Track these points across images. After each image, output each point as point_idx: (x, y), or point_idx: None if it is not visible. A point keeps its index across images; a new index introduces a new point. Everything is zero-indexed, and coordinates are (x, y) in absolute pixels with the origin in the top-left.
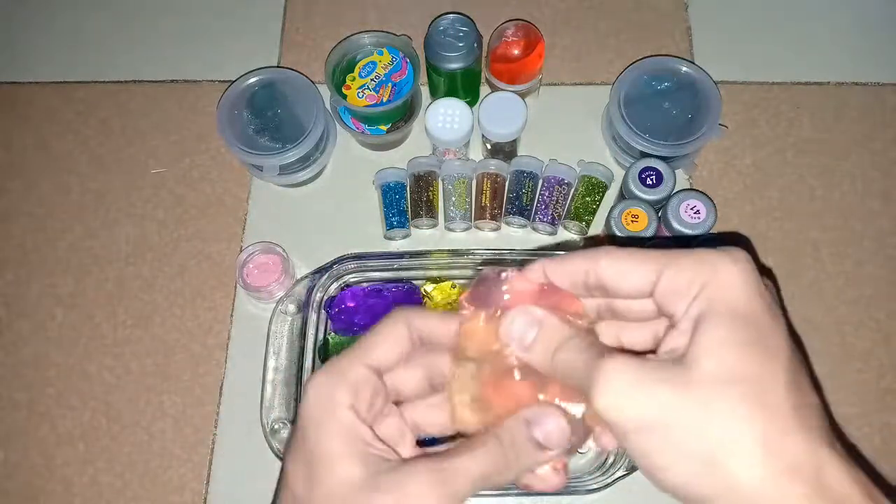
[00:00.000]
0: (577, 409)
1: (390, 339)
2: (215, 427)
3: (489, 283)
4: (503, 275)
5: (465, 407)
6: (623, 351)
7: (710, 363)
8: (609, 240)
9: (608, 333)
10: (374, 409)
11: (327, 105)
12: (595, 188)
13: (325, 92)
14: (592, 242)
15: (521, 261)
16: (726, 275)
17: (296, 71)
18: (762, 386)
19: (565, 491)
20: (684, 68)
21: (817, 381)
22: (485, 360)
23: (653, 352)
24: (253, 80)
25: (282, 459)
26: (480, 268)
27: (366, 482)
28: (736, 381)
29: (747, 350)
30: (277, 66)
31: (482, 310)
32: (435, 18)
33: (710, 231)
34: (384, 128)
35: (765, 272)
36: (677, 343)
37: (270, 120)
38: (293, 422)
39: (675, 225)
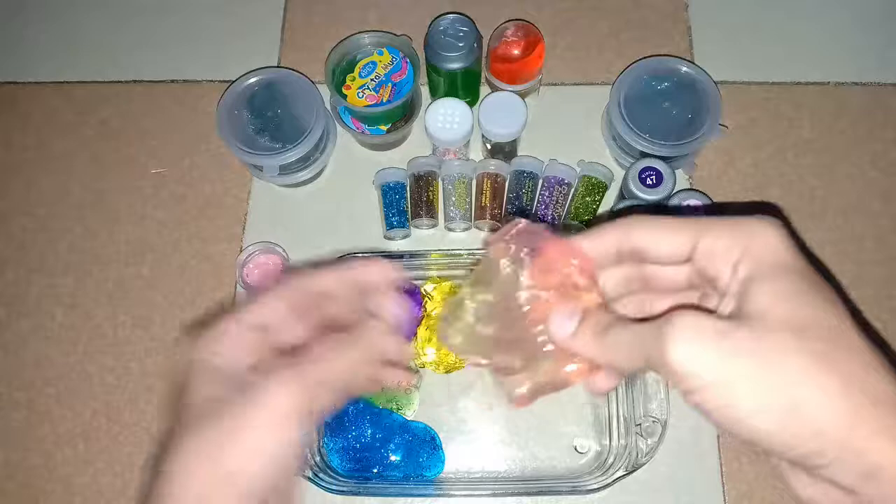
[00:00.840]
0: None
1: (268, 305)
2: None
3: (521, 232)
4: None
5: (458, 333)
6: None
7: (779, 312)
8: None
9: (633, 310)
10: (260, 361)
11: (327, 105)
12: (595, 188)
13: (325, 92)
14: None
15: None
16: (765, 237)
17: (296, 71)
18: (834, 330)
19: (565, 491)
20: (684, 68)
21: None
22: (498, 296)
23: None
24: (253, 80)
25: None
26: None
27: (219, 399)
28: (809, 326)
29: (809, 298)
30: (277, 66)
31: (506, 253)
32: (435, 18)
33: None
34: (384, 128)
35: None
36: (729, 306)
37: (270, 120)
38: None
39: None
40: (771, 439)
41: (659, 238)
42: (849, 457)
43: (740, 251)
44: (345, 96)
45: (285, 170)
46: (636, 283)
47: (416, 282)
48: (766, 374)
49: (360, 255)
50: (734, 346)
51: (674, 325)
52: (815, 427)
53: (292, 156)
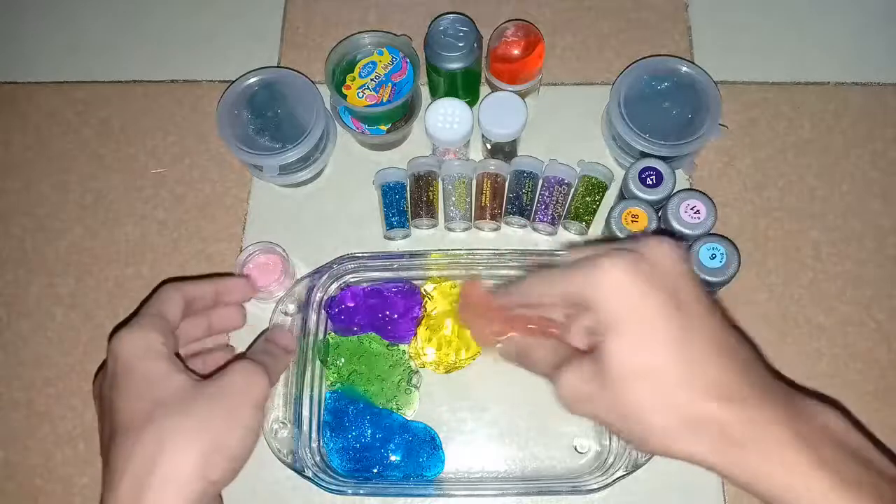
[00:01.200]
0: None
1: (171, 303)
2: None
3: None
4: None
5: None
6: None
7: (614, 361)
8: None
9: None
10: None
11: (327, 105)
12: (595, 188)
13: (325, 92)
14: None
15: (519, 266)
16: (608, 286)
17: (296, 71)
18: (653, 377)
19: (565, 491)
20: (684, 68)
21: (818, 381)
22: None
23: None
24: (253, 80)
25: (101, 401)
26: (481, 267)
27: (195, 384)
28: (636, 376)
29: (640, 347)
30: (277, 66)
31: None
32: (435, 18)
33: (711, 231)
34: (384, 128)
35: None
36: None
37: (270, 120)
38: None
39: (676, 225)
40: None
41: (541, 294)
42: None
43: (590, 299)
44: (345, 96)
45: (285, 170)
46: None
47: (416, 282)
48: (618, 407)
49: (359, 255)
50: (591, 395)
51: (557, 380)
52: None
53: (292, 156)
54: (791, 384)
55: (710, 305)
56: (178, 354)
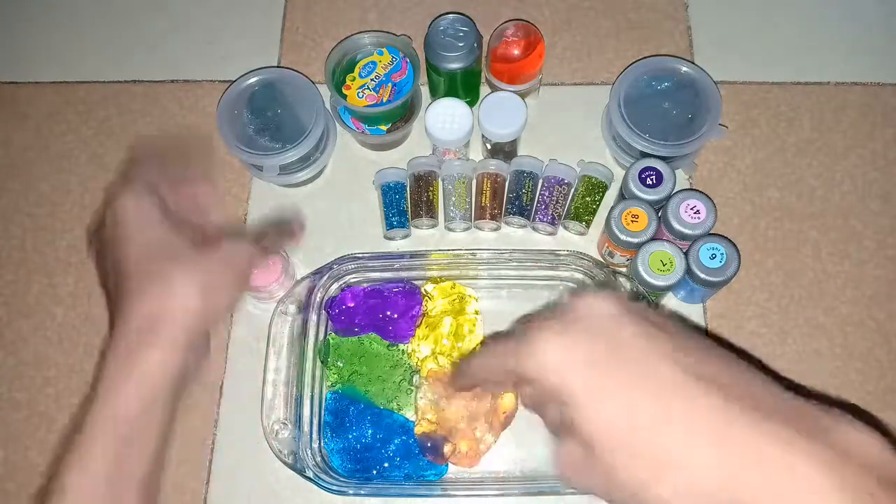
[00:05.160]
0: (489, 438)
1: (150, 171)
2: (215, 427)
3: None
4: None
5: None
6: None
7: (590, 436)
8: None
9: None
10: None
11: (327, 105)
12: (595, 188)
13: (325, 92)
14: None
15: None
16: (542, 359)
17: (296, 71)
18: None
19: (566, 491)
20: (684, 68)
21: (818, 381)
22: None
23: None
24: (253, 80)
25: (103, 258)
26: (481, 267)
27: (194, 245)
28: (620, 446)
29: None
30: (277, 66)
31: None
32: (435, 18)
33: (711, 231)
34: (384, 128)
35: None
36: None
37: (270, 120)
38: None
39: (675, 225)
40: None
41: (487, 381)
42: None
43: (541, 381)
44: (345, 96)
45: (285, 170)
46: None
47: (416, 282)
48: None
49: (359, 255)
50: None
51: (554, 456)
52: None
53: (292, 156)
54: (792, 384)
55: (665, 336)
56: None
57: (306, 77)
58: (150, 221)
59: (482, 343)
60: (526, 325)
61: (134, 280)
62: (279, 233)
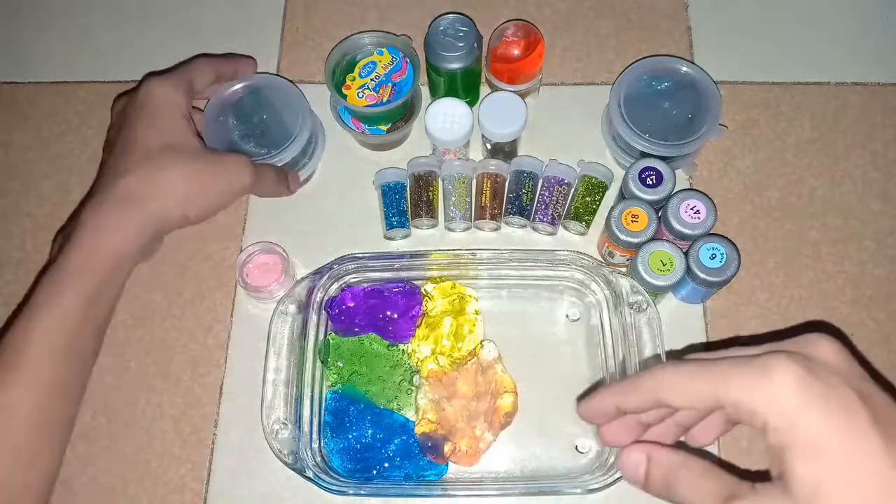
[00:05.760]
0: (488, 436)
1: (203, 76)
2: (215, 427)
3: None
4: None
5: (428, 405)
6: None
7: (818, 494)
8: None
9: (659, 433)
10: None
11: (315, 110)
12: (595, 188)
13: (313, 96)
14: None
15: (519, 266)
16: (784, 394)
17: (281, 76)
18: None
19: (566, 491)
20: (684, 68)
21: None
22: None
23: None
24: (238, 86)
25: (120, 130)
26: (481, 267)
27: (200, 146)
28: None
29: (851, 470)
30: (263, 73)
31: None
32: (435, 18)
33: (711, 231)
34: (384, 128)
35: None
36: (773, 471)
37: (256, 126)
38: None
39: (675, 225)
40: None
41: (687, 398)
42: None
43: (764, 415)
44: (345, 96)
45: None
46: (665, 418)
47: (416, 282)
48: None
49: (359, 255)
50: None
51: None
52: None
53: (277, 161)
54: None
55: None
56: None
57: (290, 81)
58: (173, 112)
59: (651, 362)
60: (746, 357)
61: (134, 155)
62: (270, 178)
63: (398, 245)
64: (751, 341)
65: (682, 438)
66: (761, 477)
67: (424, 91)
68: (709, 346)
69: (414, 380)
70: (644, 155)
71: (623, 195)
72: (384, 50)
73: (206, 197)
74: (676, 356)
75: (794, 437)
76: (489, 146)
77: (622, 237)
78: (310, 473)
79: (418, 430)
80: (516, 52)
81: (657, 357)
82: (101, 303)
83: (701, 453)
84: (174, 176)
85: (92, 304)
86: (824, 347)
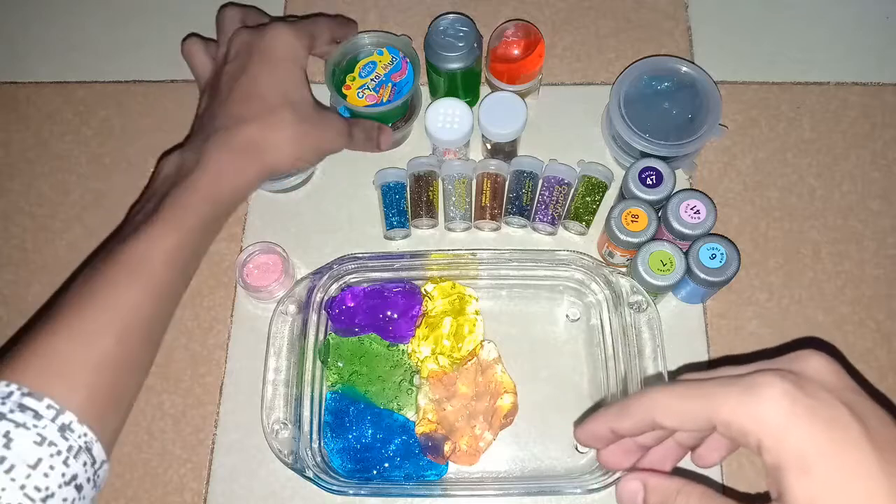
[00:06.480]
0: (488, 436)
1: (324, 36)
2: (215, 427)
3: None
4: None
5: (428, 405)
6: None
7: None
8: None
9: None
10: None
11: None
12: (595, 188)
13: (314, 95)
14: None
15: (519, 266)
16: (776, 412)
17: None
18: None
19: (565, 491)
20: (684, 68)
21: None
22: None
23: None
24: None
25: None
26: (481, 267)
27: (314, 104)
28: None
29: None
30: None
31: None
32: (435, 18)
33: (711, 231)
34: None
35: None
36: (772, 490)
37: None
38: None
39: (675, 225)
40: None
41: (680, 419)
42: None
43: (756, 434)
44: (345, 96)
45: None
46: (661, 440)
47: (416, 282)
48: None
49: (359, 255)
50: None
51: None
52: None
53: None
54: None
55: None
56: None
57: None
58: (295, 66)
59: (652, 380)
60: (735, 376)
61: (253, 104)
62: (364, 130)
63: (398, 245)
64: (744, 359)
65: (690, 461)
66: (765, 500)
67: (424, 91)
68: (710, 363)
69: (414, 380)
70: (644, 155)
71: (623, 195)
72: (384, 50)
73: (310, 153)
74: (680, 366)
75: (785, 455)
76: (489, 146)
77: (622, 237)
78: (310, 473)
79: (419, 429)
80: (516, 52)
81: (659, 375)
82: (212, 231)
83: (705, 479)
84: (289, 134)
85: (207, 232)
86: (816, 363)
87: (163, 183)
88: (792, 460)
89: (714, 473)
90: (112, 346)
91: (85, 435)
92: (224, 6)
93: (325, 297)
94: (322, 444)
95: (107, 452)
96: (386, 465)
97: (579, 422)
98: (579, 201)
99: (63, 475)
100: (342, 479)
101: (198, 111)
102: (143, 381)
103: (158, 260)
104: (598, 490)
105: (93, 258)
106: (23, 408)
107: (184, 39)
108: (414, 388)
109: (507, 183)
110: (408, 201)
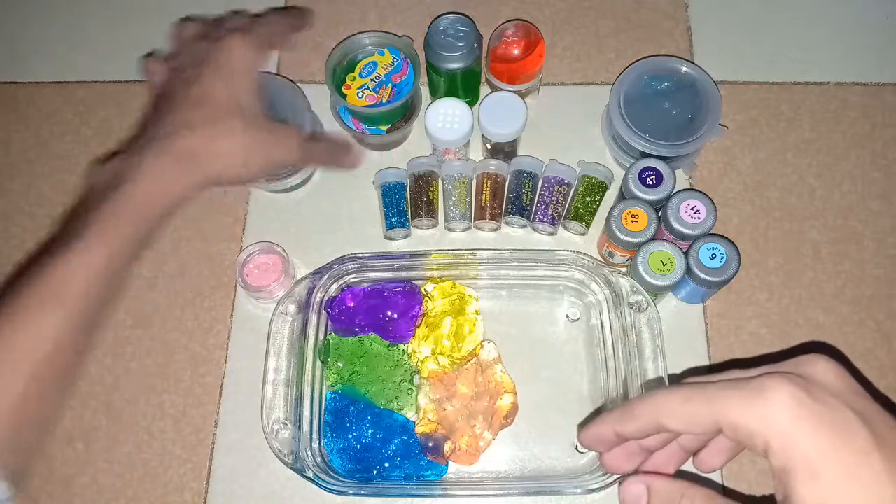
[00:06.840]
0: (488, 435)
1: (279, 32)
2: (215, 427)
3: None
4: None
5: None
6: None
7: None
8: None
9: (663, 460)
10: None
11: (315, 109)
12: (595, 188)
13: (314, 95)
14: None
15: (519, 266)
16: (781, 416)
17: (282, 76)
18: None
19: (565, 491)
20: (684, 68)
21: None
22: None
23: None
24: None
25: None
26: (481, 267)
27: (267, 116)
28: None
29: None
30: (263, 72)
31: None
32: (435, 18)
33: (711, 231)
34: (384, 128)
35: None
36: (778, 493)
37: None
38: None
39: (675, 225)
40: None
41: (686, 423)
42: None
43: (763, 437)
44: (345, 96)
45: (272, 177)
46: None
47: (416, 282)
48: None
49: (359, 255)
50: None
51: None
52: None
53: None
54: None
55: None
56: None
57: (292, 82)
58: (248, 76)
59: (653, 384)
60: (742, 379)
61: (202, 111)
62: (322, 148)
63: (398, 245)
64: (749, 363)
65: (693, 465)
66: (766, 502)
67: (424, 91)
68: (711, 365)
69: (414, 380)
70: (644, 155)
71: (623, 195)
72: (385, 50)
73: (258, 162)
74: (682, 370)
75: (793, 458)
76: (489, 146)
77: (622, 237)
78: (310, 473)
79: (419, 429)
80: (516, 52)
81: (660, 379)
82: (144, 242)
83: (705, 480)
84: (236, 143)
85: (138, 244)
86: (823, 368)
87: (99, 190)
88: (800, 464)
89: (715, 474)
90: (20, 389)
91: None
92: (182, 20)
93: (325, 297)
94: (322, 444)
95: (15, 485)
96: (386, 465)
97: (583, 425)
98: (579, 201)
99: None
100: (342, 479)
101: (144, 117)
102: (60, 407)
103: (85, 281)
104: (598, 490)
105: (30, 265)
106: None
107: (144, 57)
108: (414, 388)
109: (507, 183)
110: (408, 201)
